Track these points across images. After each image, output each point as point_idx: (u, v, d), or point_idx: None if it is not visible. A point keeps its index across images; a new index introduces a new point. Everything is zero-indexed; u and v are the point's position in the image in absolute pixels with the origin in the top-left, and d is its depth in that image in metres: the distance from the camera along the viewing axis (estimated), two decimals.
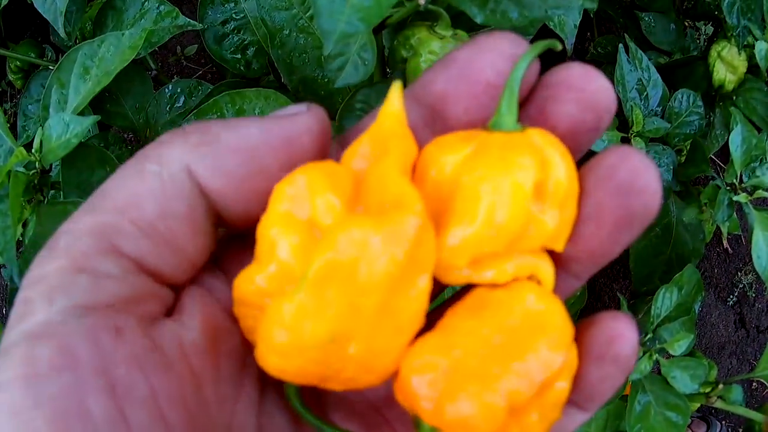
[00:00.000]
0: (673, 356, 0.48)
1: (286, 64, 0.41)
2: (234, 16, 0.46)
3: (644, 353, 0.46)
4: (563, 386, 0.16)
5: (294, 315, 0.15)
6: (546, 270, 0.17)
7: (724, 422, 0.93)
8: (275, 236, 0.15)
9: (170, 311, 0.16)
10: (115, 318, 0.15)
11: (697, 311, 0.53)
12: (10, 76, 0.65)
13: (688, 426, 0.90)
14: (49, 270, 0.15)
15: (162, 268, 0.16)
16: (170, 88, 0.45)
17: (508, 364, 0.15)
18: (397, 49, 0.37)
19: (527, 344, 0.16)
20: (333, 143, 0.18)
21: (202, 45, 0.46)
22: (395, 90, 0.17)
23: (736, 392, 0.55)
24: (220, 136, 0.16)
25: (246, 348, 0.17)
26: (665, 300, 0.49)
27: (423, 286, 0.16)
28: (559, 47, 0.17)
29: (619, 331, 0.16)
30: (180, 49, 0.91)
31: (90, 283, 0.15)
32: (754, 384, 0.98)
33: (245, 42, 0.46)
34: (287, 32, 0.40)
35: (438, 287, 0.18)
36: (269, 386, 0.18)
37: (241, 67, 0.44)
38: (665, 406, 0.48)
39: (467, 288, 0.18)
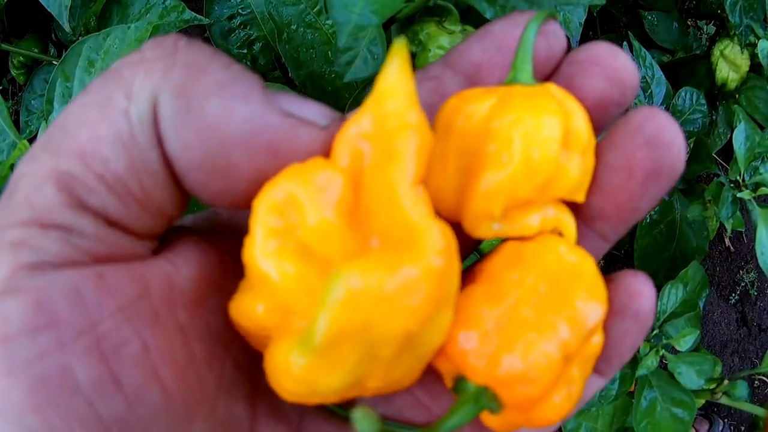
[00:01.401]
0: (679, 352, 0.48)
1: (294, 59, 0.41)
2: (240, 11, 0.46)
3: (650, 349, 0.46)
4: (598, 340, 0.16)
5: (304, 370, 0.13)
6: (569, 223, 0.17)
7: (726, 420, 0.93)
8: (266, 268, 0.13)
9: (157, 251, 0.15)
10: (96, 266, 0.13)
11: (701, 307, 0.54)
12: (13, 72, 0.65)
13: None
14: (12, 222, 0.13)
15: (135, 226, 0.14)
16: None
17: (559, 311, 0.15)
18: None
19: (571, 292, 0.15)
20: None
21: (209, 40, 0.46)
22: (396, 51, 0.14)
23: (741, 388, 0.55)
24: (205, 98, 0.13)
25: None
26: (671, 296, 0.49)
27: (445, 319, 0.15)
28: (559, 17, 0.17)
29: (639, 287, 0.17)
30: None
31: (60, 239, 0.13)
32: (756, 381, 0.98)
33: (252, 37, 0.46)
34: (294, 27, 0.40)
35: (465, 244, 0.17)
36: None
37: (248, 63, 0.44)
38: (671, 402, 0.48)
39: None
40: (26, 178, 0.13)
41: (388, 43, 0.37)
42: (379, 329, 0.13)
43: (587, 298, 0.15)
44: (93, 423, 0.12)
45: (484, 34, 0.18)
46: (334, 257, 0.14)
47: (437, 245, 0.13)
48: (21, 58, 0.65)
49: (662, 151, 0.16)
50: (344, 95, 0.42)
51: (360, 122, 0.14)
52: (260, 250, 0.13)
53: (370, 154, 0.14)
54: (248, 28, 0.46)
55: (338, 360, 0.13)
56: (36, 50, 0.63)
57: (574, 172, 0.16)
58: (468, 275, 0.17)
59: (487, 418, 0.16)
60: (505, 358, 0.15)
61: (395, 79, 0.14)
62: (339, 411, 0.17)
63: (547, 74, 0.18)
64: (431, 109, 0.16)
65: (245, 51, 0.45)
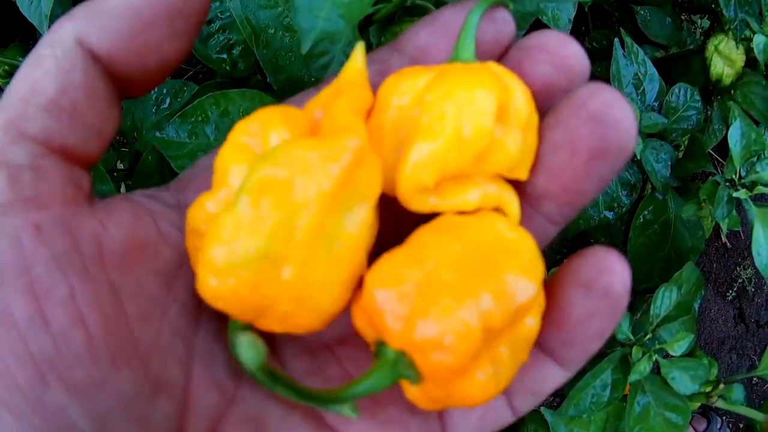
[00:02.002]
0: (672, 356, 0.47)
1: (272, 64, 0.40)
2: (219, 15, 0.45)
3: (643, 354, 0.45)
4: (533, 324, 0.15)
5: (230, 227, 0.14)
6: (511, 201, 0.16)
7: (724, 417, 0.92)
8: (227, 164, 0.16)
9: (90, 198, 0.16)
10: (35, 215, 0.15)
11: (697, 309, 0.53)
12: None
13: (689, 422, 0.90)
14: None
15: (70, 142, 0.16)
16: (156, 89, 0.44)
17: (483, 282, 0.14)
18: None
19: (502, 266, 0.15)
20: None
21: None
22: (358, 48, 0.17)
23: (738, 391, 0.54)
24: (103, 3, 0.16)
25: (177, 270, 0.17)
26: (665, 299, 0.48)
27: (362, 216, 0.15)
28: (511, 5, 0.18)
29: (611, 263, 0.16)
30: None
31: (6, 178, 0.14)
32: (754, 379, 0.97)
33: (231, 41, 0.44)
34: (272, 31, 0.39)
35: (404, 224, 0.17)
36: (206, 316, 0.17)
37: (227, 67, 0.43)
38: (665, 407, 0.47)
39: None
40: None
41: (367, 45, 0.36)
42: (300, 189, 0.14)
43: (519, 274, 0.15)
44: (25, 358, 0.14)
45: (433, 20, 0.18)
46: None
47: (358, 131, 0.15)
48: (6, 67, 0.64)
49: (608, 128, 0.15)
50: None
51: (324, 92, 0.17)
52: (226, 153, 0.16)
53: (327, 104, 0.17)
54: (227, 32, 0.45)
55: (260, 217, 0.14)
56: (21, 59, 0.63)
57: (513, 148, 0.16)
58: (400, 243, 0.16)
59: (409, 391, 0.15)
60: (419, 321, 0.14)
61: (353, 64, 0.17)
62: (267, 381, 0.16)
63: (495, 59, 0.18)
64: (376, 89, 0.18)
65: (224, 55, 0.44)
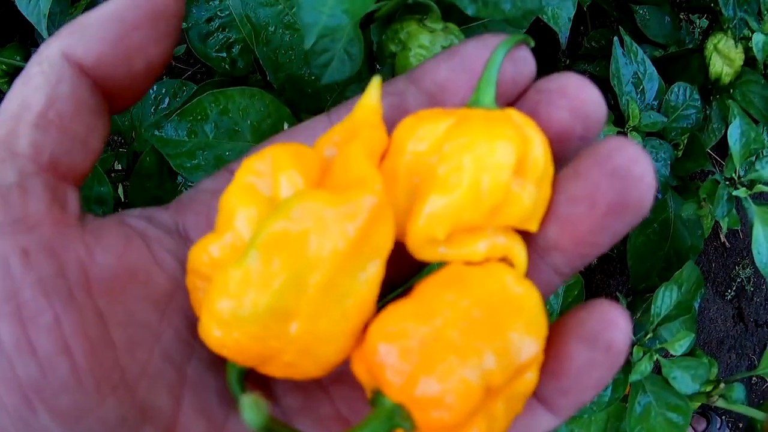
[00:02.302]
0: (673, 356, 0.47)
1: (272, 62, 0.40)
2: (219, 13, 0.45)
3: (644, 353, 0.45)
4: (531, 378, 0.15)
5: (239, 282, 0.14)
6: (519, 252, 0.16)
7: (724, 417, 0.92)
8: (234, 206, 0.15)
9: (80, 218, 0.16)
10: (22, 238, 0.15)
11: (696, 308, 0.53)
12: None
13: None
14: None
15: (57, 155, 0.16)
16: (155, 89, 0.44)
17: (488, 340, 0.14)
18: (385, 43, 0.35)
19: (507, 323, 0.15)
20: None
21: (186, 43, 0.45)
22: (374, 84, 0.17)
23: (738, 391, 0.54)
24: (87, 17, 0.16)
25: (170, 297, 0.17)
26: (665, 298, 0.48)
27: (374, 272, 0.15)
28: (532, 44, 0.17)
29: (615, 318, 0.16)
30: None
31: None
32: (753, 378, 0.97)
33: (230, 40, 0.44)
34: (272, 29, 0.39)
35: (407, 270, 0.17)
36: (200, 343, 0.17)
37: (227, 66, 0.43)
38: (666, 407, 0.47)
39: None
40: None
41: (367, 43, 0.36)
42: (314, 246, 0.14)
43: (523, 332, 0.15)
44: (13, 384, 0.14)
45: (453, 54, 0.17)
46: None
47: (376, 188, 0.15)
48: (4, 67, 0.64)
49: (630, 183, 0.15)
50: (325, 97, 0.41)
51: (336, 129, 0.17)
52: (233, 194, 0.15)
53: (340, 145, 0.16)
54: (227, 30, 0.44)
55: (271, 273, 0.14)
56: (18, 58, 0.62)
57: (527, 201, 0.15)
58: (405, 293, 0.16)
59: None
60: (422, 378, 0.14)
61: (367, 101, 0.17)
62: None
63: (512, 100, 0.17)
64: (390, 124, 0.17)
65: (224, 54, 0.44)
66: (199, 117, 0.37)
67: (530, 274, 0.16)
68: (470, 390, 0.14)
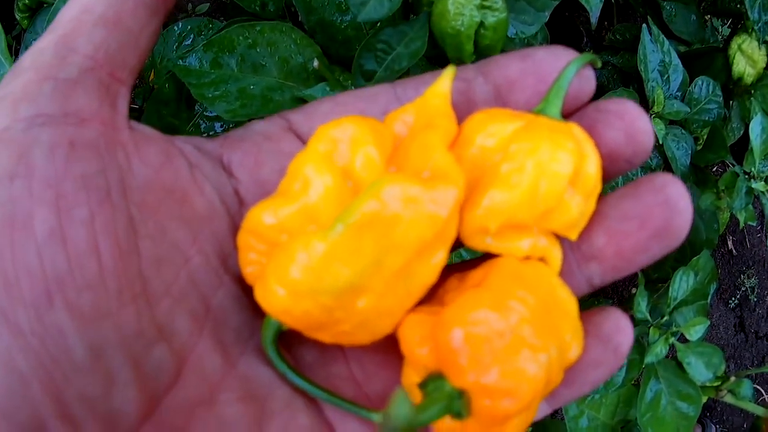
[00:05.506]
0: (688, 341, 0.46)
1: (305, 4, 0.38)
2: None
3: (660, 336, 0.44)
4: (559, 379, 0.16)
5: (321, 255, 0.14)
6: (557, 256, 0.17)
7: (718, 426, 0.91)
8: (309, 174, 0.15)
9: (127, 122, 0.17)
10: (72, 131, 0.15)
11: (710, 299, 0.52)
12: (18, 16, 0.62)
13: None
14: (15, 85, 0.15)
15: (114, 54, 0.16)
16: (179, 26, 0.43)
17: (552, 339, 0.15)
18: None
19: (562, 326, 0.16)
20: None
21: (214, 2, 0.44)
22: (448, 73, 0.18)
23: (747, 387, 0.53)
24: None
25: (205, 222, 0.17)
26: (682, 283, 0.47)
27: (441, 258, 0.16)
28: (599, 64, 0.19)
29: (625, 325, 0.18)
30: (192, 7, 0.88)
31: (53, 90, 0.15)
32: (754, 386, 0.97)
33: None
34: None
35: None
36: (229, 277, 0.17)
37: (257, 8, 0.41)
38: (677, 396, 0.46)
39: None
40: (32, 52, 0.16)
41: None
42: (400, 231, 0.14)
43: (571, 335, 0.16)
44: (37, 275, 0.13)
45: (527, 56, 0.18)
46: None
47: (459, 184, 0.15)
48: (26, 1, 0.63)
49: (676, 214, 0.17)
50: (354, 46, 0.40)
51: (408, 108, 0.18)
52: (308, 160, 0.16)
53: (413, 126, 0.17)
54: None
55: (357, 251, 0.14)
56: None
57: (575, 211, 0.16)
58: (466, 279, 0.17)
59: (443, 423, 0.16)
60: (497, 367, 0.14)
61: (441, 87, 0.18)
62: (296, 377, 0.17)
63: (569, 113, 0.18)
64: (455, 108, 0.18)
65: None
66: (225, 49, 0.35)
67: (563, 279, 0.17)
68: (538, 383, 0.15)
